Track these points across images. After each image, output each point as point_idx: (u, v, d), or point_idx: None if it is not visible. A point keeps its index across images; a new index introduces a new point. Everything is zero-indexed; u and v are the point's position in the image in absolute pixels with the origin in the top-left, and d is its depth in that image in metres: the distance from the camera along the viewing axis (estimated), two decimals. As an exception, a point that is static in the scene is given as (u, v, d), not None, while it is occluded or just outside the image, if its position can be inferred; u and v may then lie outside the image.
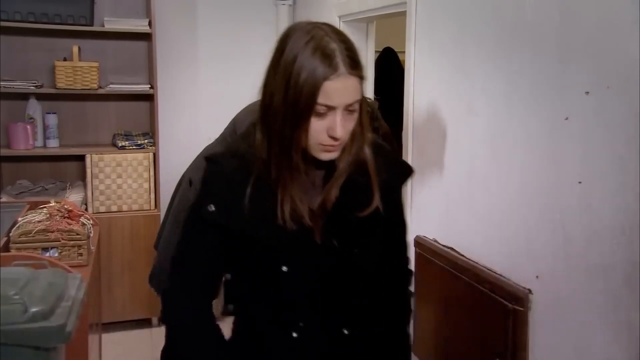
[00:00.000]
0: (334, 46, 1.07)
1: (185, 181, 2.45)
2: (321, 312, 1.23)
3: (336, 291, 1.23)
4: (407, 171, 1.35)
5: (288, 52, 1.09)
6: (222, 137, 2.41)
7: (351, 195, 1.20)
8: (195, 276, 1.29)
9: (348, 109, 1.10)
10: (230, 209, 1.17)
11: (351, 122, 1.13)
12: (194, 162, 2.51)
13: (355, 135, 1.18)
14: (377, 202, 1.20)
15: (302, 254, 1.19)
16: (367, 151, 1.21)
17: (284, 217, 1.15)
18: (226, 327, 2.71)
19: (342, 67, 1.06)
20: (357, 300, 1.25)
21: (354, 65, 1.08)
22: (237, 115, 2.39)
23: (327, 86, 1.06)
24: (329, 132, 1.10)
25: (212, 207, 1.17)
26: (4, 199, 3.25)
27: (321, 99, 1.06)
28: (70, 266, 2.01)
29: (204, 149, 2.53)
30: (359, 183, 1.20)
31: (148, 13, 3.56)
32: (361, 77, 1.11)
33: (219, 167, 1.21)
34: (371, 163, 1.21)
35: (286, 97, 1.08)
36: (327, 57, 1.06)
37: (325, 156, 1.14)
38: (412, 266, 1.44)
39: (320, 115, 1.08)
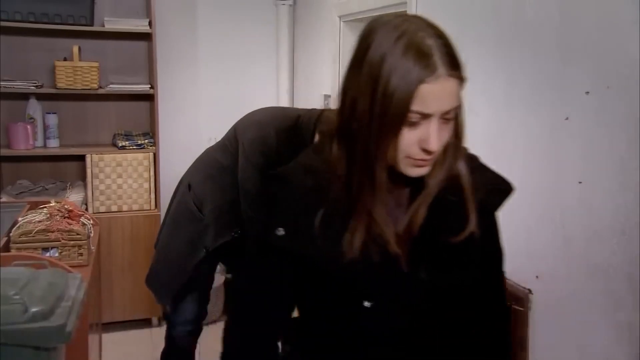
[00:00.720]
0: (430, 42, 0.92)
1: (184, 185, 2.45)
2: (406, 352, 1.06)
3: (424, 329, 1.06)
4: (506, 190, 1.13)
5: (374, 52, 0.93)
6: (222, 143, 2.40)
7: (442, 216, 1.02)
8: (261, 312, 1.12)
9: (444, 117, 0.94)
10: (303, 234, 1.01)
11: (447, 133, 0.97)
12: (193, 165, 2.50)
13: (449, 147, 1.00)
14: (473, 225, 1.02)
15: (387, 287, 1.02)
16: (462, 166, 1.04)
17: (353, 245, 0.98)
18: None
19: (440, 68, 0.91)
20: (447, 340, 1.08)
21: (454, 64, 0.94)
22: (238, 122, 2.37)
23: (422, 90, 0.90)
24: (422, 144, 0.93)
25: (281, 231, 1.02)
26: (4, 199, 3.25)
27: (415, 105, 0.90)
28: (70, 266, 2.01)
29: (204, 152, 2.52)
30: (451, 203, 1.02)
31: (148, 13, 3.56)
32: (462, 79, 0.96)
33: (290, 185, 1.05)
34: (466, 179, 1.03)
35: (373, 104, 0.92)
36: (423, 56, 0.90)
37: (415, 172, 0.98)
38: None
39: (413, 124, 0.92)
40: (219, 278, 3.47)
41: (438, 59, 0.91)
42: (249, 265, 1.16)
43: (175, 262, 2.38)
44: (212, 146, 2.49)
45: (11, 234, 2.16)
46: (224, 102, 3.92)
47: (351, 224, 0.99)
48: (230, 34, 4.04)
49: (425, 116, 0.92)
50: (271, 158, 2.20)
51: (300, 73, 4.01)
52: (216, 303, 3.49)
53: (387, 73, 0.90)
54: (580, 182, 1.47)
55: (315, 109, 2.38)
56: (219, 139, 2.45)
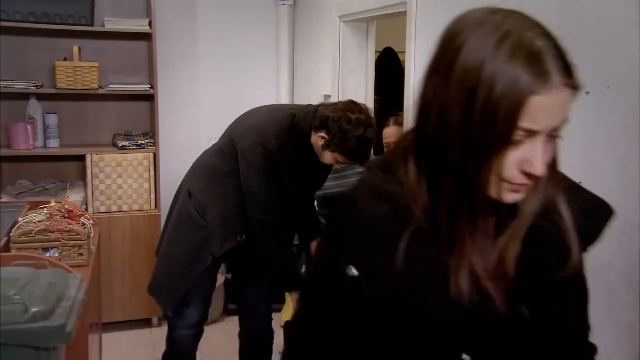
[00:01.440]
0: (541, 44, 0.76)
1: (184, 192, 2.44)
2: None
3: None
4: (606, 214, 0.98)
5: (469, 54, 0.77)
6: (219, 148, 2.38)
7: (538, 248, 0.86)
8: None
9: (551, 134, 0.81)
10: (381, 273, 0.84)
11: (550, 152, 0.83)
12: (191, 171, 2.49)
13: (548, 169, 0.84)
14: (576, 257, 0.89)
15: (487, 334, 0.84)
16: (559, 189, 0.89)
17: (460, 286, 0.81)
18: (226, 326, 2.70)
19: (555, 76, 0.74)
20: None
21: (569, 71, 0.76)
22: (232, 128, 2.36)
23: (532, 103, 0.74)
24: (524, 166, 0.78)
25: (353, 271, 0.85)
26: (4, 199, 3.25)
27: (524, 120, 0.75)
28: (70, 266, 2.01)
29: (200, 157, 2.50)
30: (546, 231, 0.86)
31: (148, 13, 3.56)
32: (576, 89, 0.78)
33: (358, 212, 0.87)
34: (564, 205, 0.88)
35: (469, 118, 0.76)
36: (534, 62, 0.74)
37: (511, 197, 0.81)
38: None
39: (515, 143, 0.77)
40: (220, 278, 3.47)
41: (551, 64, 0.75)
42: (310, 311, 0.96)
43: (178, 270, 2.38)
44: (208, 151, 2.47)
45: (11, 234, 2.16)
46: (224, 102, 3.91)
47: (453, 260, 0.82)
48: (230, 34, 4.04)
49: (531, 133, 0.77)
50: (273, 161, 2.21)
51: (300, 73, 4.01)
52: (216, 303, 3.49)
53: (488, 81, 0.74)
54: (580, 182, 1.48)
55: (309, 104, 2.38)
56: (219, 138, 2.45)
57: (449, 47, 0.80)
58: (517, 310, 0.85)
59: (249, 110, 2.42)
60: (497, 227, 0.86)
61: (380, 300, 0.85)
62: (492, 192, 0.80)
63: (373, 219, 0.86)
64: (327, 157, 2.23)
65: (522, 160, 0.78)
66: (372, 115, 2.21)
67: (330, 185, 2.90)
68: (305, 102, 3.95)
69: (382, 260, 0.84)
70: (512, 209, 0.84)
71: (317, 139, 2.21)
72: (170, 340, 2.51)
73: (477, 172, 0.78)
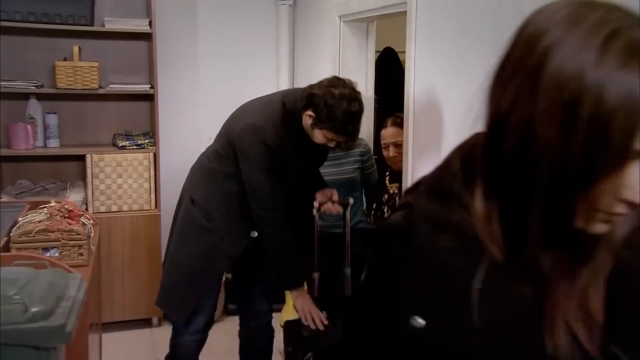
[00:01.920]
0: None
1: (187, 199, 2.42)
2: None
3: None
4: None
5: (564, 60, 0.62)
6: (216, 152, 2.36)
7: (625, 281, 0.70)
8: None
9: None
10: (453, 323, 0.70)
11: None
12: (191, 177, 2.47)
13: None
14: None
15: None
16: None
17: (558, 339, 0.66)
18: (226, 326, 2.70)
19: None
20: None
21: None
22: (227, 129, 2.34)
23: None
24: (627, 193, 0.62)
25: (419, 321, 0.71)
26: (4, 199, 3.25)
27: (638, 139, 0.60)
28: (70, 266, 2.01)
29: (197, 162, 2.47)
30: (631, 262, 0.70)
31: (148, 13, 3.56)
32: None
33: (422, 249, 0.72)
34: None
35: (570, 138, 0.61)
36: None
37: (601, 228, 0.66)
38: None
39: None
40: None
41: None
42: None
43: (191, 279, 2.38)
44: (205, 155, 2.45)
45: (11, 234, 2.16)
46: (224, 102, 3.89)
47: (546, 307, 0.67)
48: (230, 34, 4.04)
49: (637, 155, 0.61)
50: (275, 155, 2.20)
51: (300, 73, 4.01)
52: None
53: (594, 93, 0.60)
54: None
55: (296, 88, 2.36)
56: (214, 140, 2.44)
57: (532, 50, 0.65)
58: (611, 355, 0.69)
59: (241, 107, 2.41)
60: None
61: (453, 356, 0.70)
62: (580, 222, 0.65)
63: (437, 255, 0.71)
64: (318, 136, 2.20)
65: (623, 187, 0.62)
66: (358, 90, 2.19)
67: (329, 172, 2.89)
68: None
69: (453, 306, 0.69)
70: (587, 239, 0.68)
71: (306, 118, 2.20)
72: (174, 344, 2.50)
73: (573, 200, 0.63)
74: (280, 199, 2.25)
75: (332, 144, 2.24)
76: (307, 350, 2.30)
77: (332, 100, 2.10)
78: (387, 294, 0.76)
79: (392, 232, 0.79)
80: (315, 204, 2.39)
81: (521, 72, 0.66)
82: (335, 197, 2.46)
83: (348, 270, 2.45)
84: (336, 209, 2.45)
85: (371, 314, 0.81)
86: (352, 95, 2.13)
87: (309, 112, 2.17)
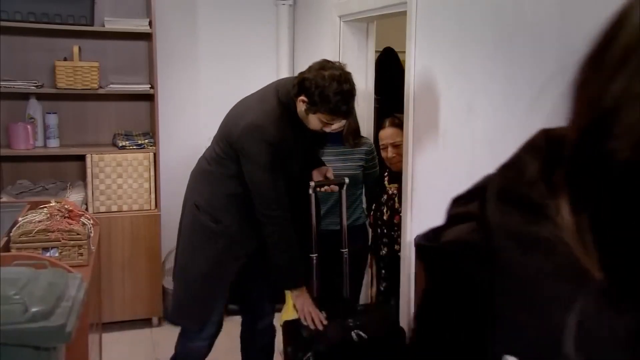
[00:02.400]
0: None
1: (190, 206, 2.40)
2: None
3: None
4: None
5: None
6: (214, 153, 2.35)
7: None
8: None
9: None
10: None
11: None
12: (192, 182, 2.45)
13: None
14: None
15: None
16: None
17: None
18: (227, 326, 2.70)
19: None
20: None
21: None
22: (226, 132, 2.32)
23: None
24: None
25: None
26: (4, 199, 3.25)
27: None
28: (70, 266, 2.01)
29: (198, 167, 2.45)
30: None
31: (148, 13, 3.56)
32: None
33: (508, 272, 0.59)
34: None
35: None
36: None
37: None
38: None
39: None
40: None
41: None
42: None
43: (207, 285, 2.37)
44: (204, 159, 2.43)
45: (11, 234, 2.16)
46: (224, 102, 3.89)
47: None
48: (230, 34, 4.04)
49: None
50: (277, 152, 2.19)
51: (300, 73, 4.01)
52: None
53: None
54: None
55: (287, 78, 2.35)
56: (211, 142, 2.44)
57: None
58: None
59: (236, 106, 2.39)
60: None
61: None
62: None
63: (528, 279, 0.58)
64: (313, 121, 2.19)
65: None
66: (349, 71, 2.19)
67: (334, 167, 2.89)
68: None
69: (552, 343, 0.55)
70: None
71: (300, 105, 2.18)
72: (184, 349, 2.48)
73: None
74: (284, 197, 2.24)
75: (328, 129, 2.23)
76: (307, 350, 2.30)
77: (323, 82, 2.10)
78: (465, 330, 0.63)
79: (463, 250, 0.65)
80: (312, 183, 2.40)
81: (633, 60, 0.50)
82: (331, 174, 2.48)
83: (345, 253, 2.54)
84: (332, 188, 2.47)
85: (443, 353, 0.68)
86: (342, 76, 2.12)
87: (302, 98, 2.16)
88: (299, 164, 2.37)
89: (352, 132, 2.97)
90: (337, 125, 2.25)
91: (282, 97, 2.24)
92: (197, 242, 2.38)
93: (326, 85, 2.09)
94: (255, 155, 2.20)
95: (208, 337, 2.45)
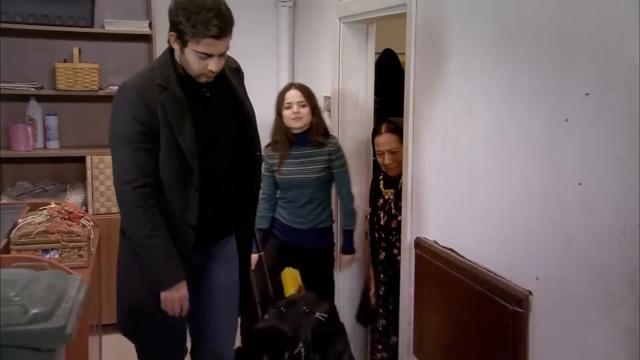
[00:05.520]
0: None
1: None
2: None
3: None
4: None
5: None
6: None
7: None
8: None
9: None
10: None
11: None
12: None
13: None
14: None
15: None
16: None
17: None
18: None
19: None
20: None
21: None
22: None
23: None
24: None
25: None
26: (4, 201, 3.25)
27: None
28: (70, 267, 2.01)
29: None
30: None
31: (148, 14, 3.57)
32: None
33: None
34: None
35: None
36: None
37: None
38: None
39: None
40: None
41: None
42: None
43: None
44: None
45: (11, 236, 2.16)
46: (224, 104, 3.91)
47: None
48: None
49: None
50: (148, 114, 2.04)
51: (300, 74, 4.01)
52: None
53: None
54: (580, 184, 1.47)
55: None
56: None
57: None
58: None
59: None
60: None
61: None
62: None
63: None
64: (191, 60, 1.98)
65: None
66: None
67: (294, 171, 2.95)
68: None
69: None
70: None
71: (177, 48, 2.02)
72: None
73: None
74: (147, 170, 2.04)
75: (210, 67, 1.99)
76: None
77: (185, 4, 1.95)
78: None
79: None
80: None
81: None
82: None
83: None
84: None
85: None
86: None
87: (173, 35, 2.01)
88: (225, 154, 2.18)
89: (320, 132, 2.99)
90: (214, 65, 2.00)
91: (157, 64, 2.10)
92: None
93: (188, 5, 1.93)
94: (116, 118, 2.09)
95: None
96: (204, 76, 2.04)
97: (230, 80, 2.22)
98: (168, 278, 2.04)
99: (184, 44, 1.98)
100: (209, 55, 1.98)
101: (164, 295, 2.05)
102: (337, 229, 3.22)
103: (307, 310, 2.45)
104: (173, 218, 2.06)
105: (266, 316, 2.50)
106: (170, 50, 2.09)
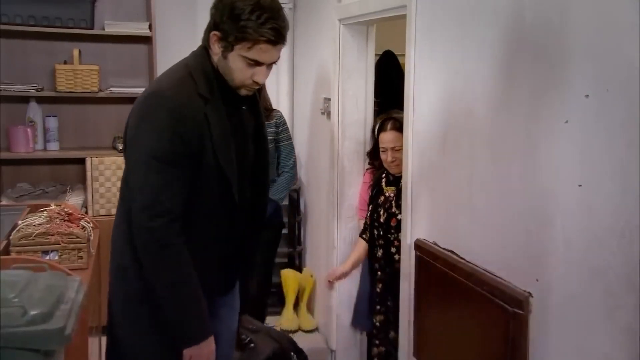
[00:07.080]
0: None
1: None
2: None
3: None
4: None
5: None
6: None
7: None
8: None
9: None
10: None
11: None
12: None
13: None
14: None
15: None
16: None
17: None
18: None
19: None
20: None
21: None
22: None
23: None
24: None
25: None
26: (4, 202, 3.25)
27: None
28: (70, 269, 2.01)
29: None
30: None
31: (148, 16, 3.57)
32: None
33: None
34: None
35: None
36: None
37: None
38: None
39: None
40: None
41: None
42: None
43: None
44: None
45: (11, 237, 2.16)
46: (224, 105, 3.91)
47: None
48: (231, 37, 4.04)
49: None
50: (187, 132, 1.69)
51: (300, 76, 4.01)
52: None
53: None
54: (580, 185, 1.47)
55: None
56: None
57: None
58: None
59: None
60: None
61: None
62: None
63: None
64: (236, 66, 1.68)
65: None
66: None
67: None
68: (305, 105, 3.95)
69: None
70: None
71: (217, 50, 1.71)
72: None
73: None
74: (179, 206, 1.69)
75: (258, 77, 1.70)
76: None
77: (234, 2, 1.65)
78: None
79: None
80: None
81: None
82: None
83: None
84: None
85: None
86: None
87: (215, 36, 1.70)
88: (247, 184, 1.86)
89: (264, 109, 2.80)
90: (262, 75, 1.71)
91: (194, 68, 1.74)
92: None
93: (237, 3, 1.63)
94: (148, 135, 1.64)
95: None
96: (245, 88, 1.74)
97: (258, 99, 1.96)
98: (200, 331, 1.74)
99: (228, 47, 1.67)
100: (258, 64, 1.68)
101: (191, 351, 1.74)
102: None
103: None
104: (200, 256, 1.75)
105: None
106: (206, 51, 1.77)
